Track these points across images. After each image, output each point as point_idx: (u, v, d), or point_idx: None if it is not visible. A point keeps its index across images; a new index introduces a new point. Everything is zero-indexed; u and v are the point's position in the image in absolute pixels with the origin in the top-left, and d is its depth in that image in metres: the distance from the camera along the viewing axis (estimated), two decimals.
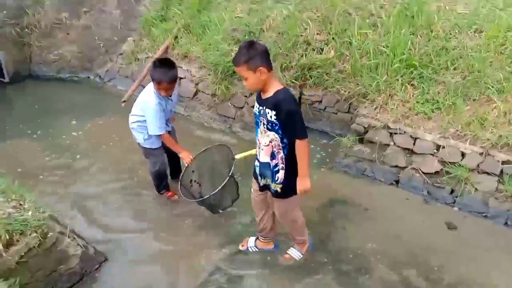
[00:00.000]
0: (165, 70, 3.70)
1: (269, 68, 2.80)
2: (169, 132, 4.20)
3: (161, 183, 4.45)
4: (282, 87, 2.88)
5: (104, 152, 5.35)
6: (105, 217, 4.28)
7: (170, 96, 3.91)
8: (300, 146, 2.89)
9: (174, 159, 4.49)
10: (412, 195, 4.46)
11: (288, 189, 3.07)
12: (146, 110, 3.85)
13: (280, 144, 2.96)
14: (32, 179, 4.71)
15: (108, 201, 4.51)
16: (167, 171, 4.44)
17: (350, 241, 3.92)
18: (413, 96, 4.65)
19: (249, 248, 3.81)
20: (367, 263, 3.71)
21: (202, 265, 3.72)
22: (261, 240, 3.76)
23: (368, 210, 4.28)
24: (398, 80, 4.75)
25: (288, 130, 2.88)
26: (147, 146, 4.10)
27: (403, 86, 4.71)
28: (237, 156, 3.65)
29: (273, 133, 2.93)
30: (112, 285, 3.60)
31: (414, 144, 4.50)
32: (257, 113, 3.02)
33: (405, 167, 4.54)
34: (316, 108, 5.48)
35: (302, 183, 3.02)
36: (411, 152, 4.53)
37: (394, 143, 4.60)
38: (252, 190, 3.48)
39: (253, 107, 5.26)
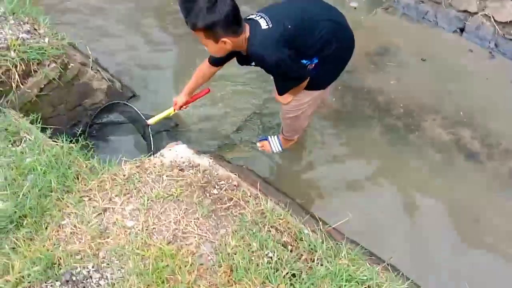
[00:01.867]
0: None
1: (237, 33, 2.00)
2: None
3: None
4: (247, 38, 2.07)
5: None
6: (131, 48, 3.84)
7: None
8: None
9: None
10: (476, 47, 3.88)
11: (316, 80, 2.40)
12: None
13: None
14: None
15: (136, 30, 4.01)
16: None
17: (402, 94, 3.51)
18: None
19: None
20: (418, 119, 3.36)
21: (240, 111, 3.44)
22: None
23: (426, 60, 3.76)
24: None
25: None
26: None
27: None
28: (151, 121, 2.89)
29: None
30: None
31: None
32: None
33: (475, 13, 3.86)
34: None
35: (283, 95, 2.50)
36: None
37: None
38: None
39: None
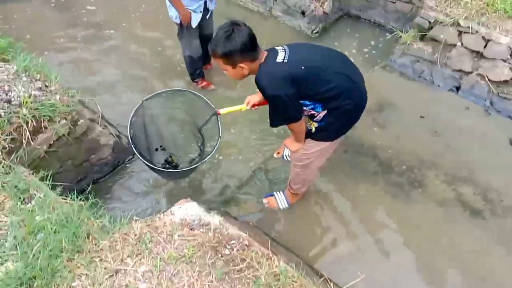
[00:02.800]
0: None
1: (253, 59, 2.17)
2: (210, 13, 3.65)
3: (194, 70, 4.00)
4: (260, 64, 2.19)
5: (130, 26, 4.80)
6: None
7: None
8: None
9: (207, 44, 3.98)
10: (472, 105, 4.01)
11: (324, 131, 2.45)
12: None
13: (313, 112, 2.37)
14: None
15: (135, 87, 4.10)
16: (199, 57, 3.92)
17: (403, 151, 3.58)
18: None
19: (284, 157, 3.49)
20: (421, 176, 3.42)
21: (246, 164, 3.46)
22: None
23: (424, 118, 3.87)
24: None
25: None
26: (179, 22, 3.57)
27: None
28: (222, 111, 2.79)
29: None
30: (146, 177, 3.37)
31: (485, 46, 3.90)
32: None
33: (469, 72, 4.02)
34: None
35: (291, 143, 2.62)
36: (479, 55, 3.97)
37: (462, 44, 4.01)
38: None
39: None
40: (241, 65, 2.16)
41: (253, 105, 2.75)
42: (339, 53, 2.41)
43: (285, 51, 2.19)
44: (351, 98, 2.32)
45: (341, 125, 2.48)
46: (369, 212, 3.19)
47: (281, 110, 2.25)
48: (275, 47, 2.25)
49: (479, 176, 3.43)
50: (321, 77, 2.19)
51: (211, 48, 2.15)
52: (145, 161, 2.70)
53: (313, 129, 2.45)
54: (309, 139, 2.53)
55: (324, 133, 2.46)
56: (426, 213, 3.18)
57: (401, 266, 2.90)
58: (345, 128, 2.52)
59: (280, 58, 2.16)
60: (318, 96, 2.24)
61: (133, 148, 2.66)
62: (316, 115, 2.35)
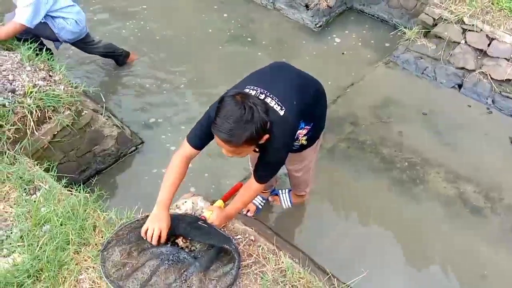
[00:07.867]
0: None
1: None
2: None
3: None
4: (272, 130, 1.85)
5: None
6: (139, 95, 3.90)
7: None
8: (252, 185, 2.14)
9: None
10: (474, 103, 4.02)
11: (312, 137, 2.36)
12: None
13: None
14: None
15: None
16: None
17: (406, 148, 3.60)
18: None
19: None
20: (422, 173, 3.44)
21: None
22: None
23: (426, 114, 3.88)
24: None
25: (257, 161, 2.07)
26: None
27: None
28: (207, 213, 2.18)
29: None
30: (148, 168, 3.36)
31: (489, 45, 3.91)
32: None
33: (472, 71, 4.03)
34: None
35: (220, 217, 2.13)
36: (483, 54, 3.97)
37: (466, 42, 4.01)
38: None
39: None
40: (267, 134, 1.80)
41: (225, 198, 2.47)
42: (287, 67, 2.26)
43: (269, 96, 1.91)
44: (321, 96, 2.31)
45: (323, 123, 2.45)
46: (372, 208, 3.21)
47: (278, 164, 2.10)
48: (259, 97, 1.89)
49: (480, 174, 3.45)
50: (306, 93, 2.11)
51: (229, 138, 1.68)
52: None
53: (304, 142, 2.35)
54: (305, 151, 2.45)
55: (313, 139, 2.41)
56: (428, 211, 3.21)
57: (404, 262, 2.93)
58: (325, 120, 2.47)
59: (277, 109, 1.90)
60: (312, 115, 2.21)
61: None
62: (305, 132, 2.29)
